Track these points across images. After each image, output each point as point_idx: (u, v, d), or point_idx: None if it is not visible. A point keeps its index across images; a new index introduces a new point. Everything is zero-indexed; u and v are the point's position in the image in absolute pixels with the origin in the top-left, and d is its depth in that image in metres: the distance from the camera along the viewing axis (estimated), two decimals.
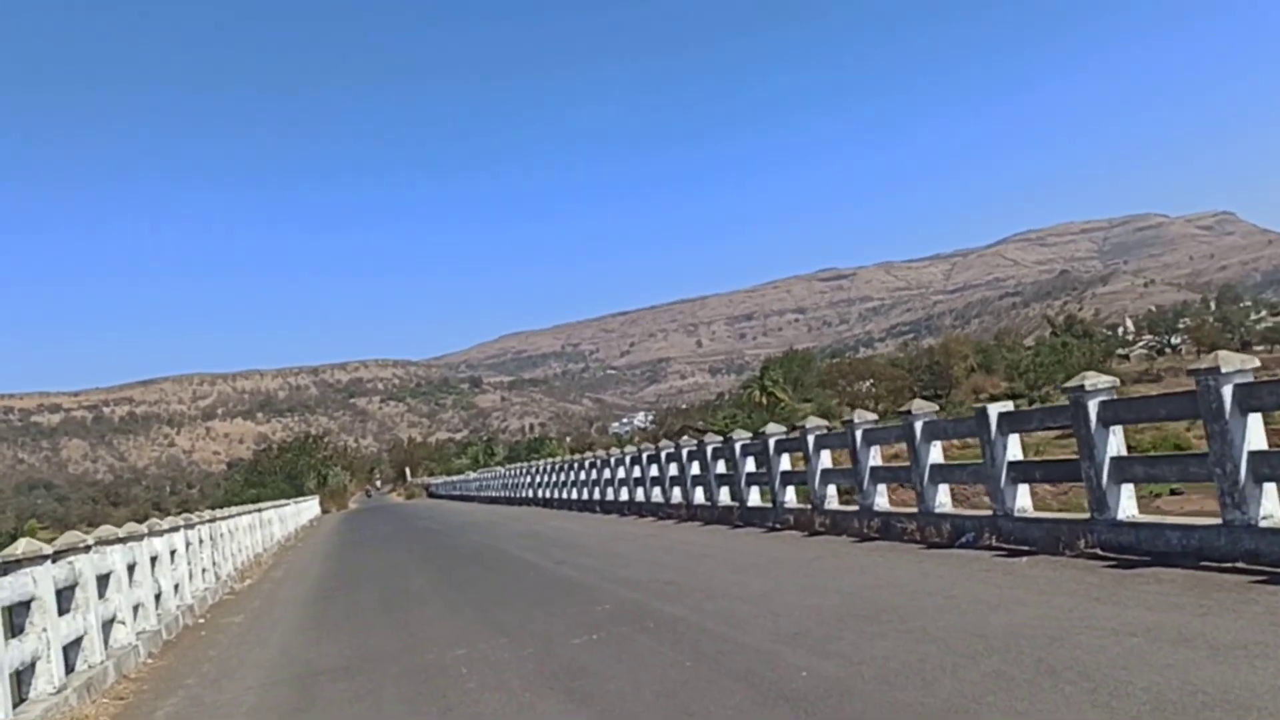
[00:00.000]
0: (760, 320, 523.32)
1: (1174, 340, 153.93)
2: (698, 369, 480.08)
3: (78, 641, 10.13)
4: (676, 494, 22.31)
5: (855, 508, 14.11)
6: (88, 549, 10.67)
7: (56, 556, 10.34)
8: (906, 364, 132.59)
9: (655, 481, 23.76)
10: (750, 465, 18.16)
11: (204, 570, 18.18)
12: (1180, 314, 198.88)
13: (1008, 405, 11.10)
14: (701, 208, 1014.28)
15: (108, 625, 11.47)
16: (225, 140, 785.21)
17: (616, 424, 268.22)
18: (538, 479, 39.22)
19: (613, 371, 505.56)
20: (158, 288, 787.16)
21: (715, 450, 19.68)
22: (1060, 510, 14.69)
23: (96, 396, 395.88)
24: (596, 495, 29.04)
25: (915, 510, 12.52)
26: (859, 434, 13.82)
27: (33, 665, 8.71)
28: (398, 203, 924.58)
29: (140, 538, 13.28)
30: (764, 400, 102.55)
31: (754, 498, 17.95)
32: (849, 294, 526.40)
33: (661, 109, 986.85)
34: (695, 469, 21.03)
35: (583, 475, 30.94)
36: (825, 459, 15.25)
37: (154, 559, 14.06)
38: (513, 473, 47.69)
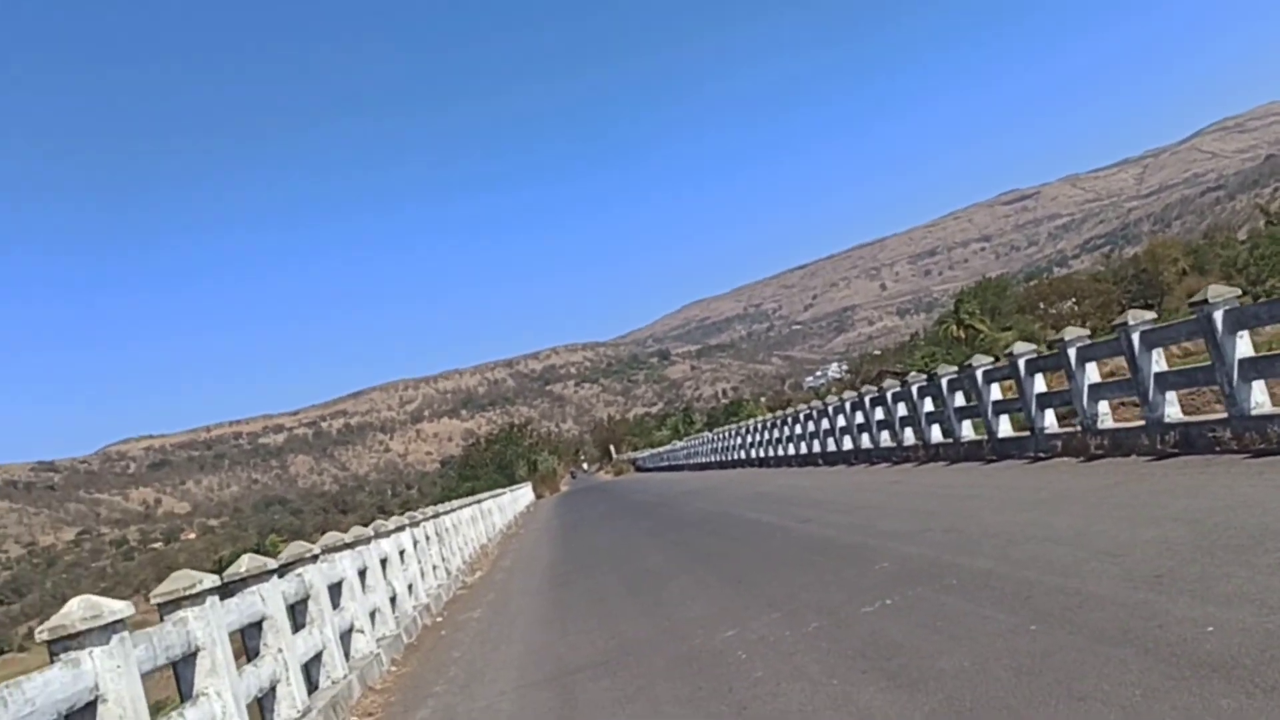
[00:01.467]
0: (944, 254, 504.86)
1: None
2: (885, 313, 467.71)
3: (317, 657, 9.51)
4: (909, 435, 20.57)
5: (1140, 422, 12.15)
6: (315, 559, 10.06)
7: (283, 570, 9.75)
8: (1110, 277, 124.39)
9: (883, 425, 22.07)
10: (995, 392, 16.29)
11: (434, 567, 17.81)
12: None
13: None
14: (871, 146, 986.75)
15: (346, 636, 10.90)
16: (397, 158, 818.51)
17: (810, 378, 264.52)
18: (748, 439, 37.96)
19: (798, 327, 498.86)
20: (358, 306, 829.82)
21: (951, 382, 17.85)
22: None
23: (314, 413, 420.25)
24: (816, 448, 27.51)
25: (1224, 415, 10.52)
26: (1135, 337, 11.84)
27: (273, 689, 8.05)
28: (568, 196, 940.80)
29: (367, 541, 12.75)
30: (962, 334, 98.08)
31: (1004, 427, 16.08)
32: (1035, 214, 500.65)
33: (821, 50, 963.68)
34: (929, 405, 19.24)
35: (797, 429, 29.45)
36: (1092, 372, 13.28)
37: (384, 561, 13.57)
38: (720, 436, 46.62)
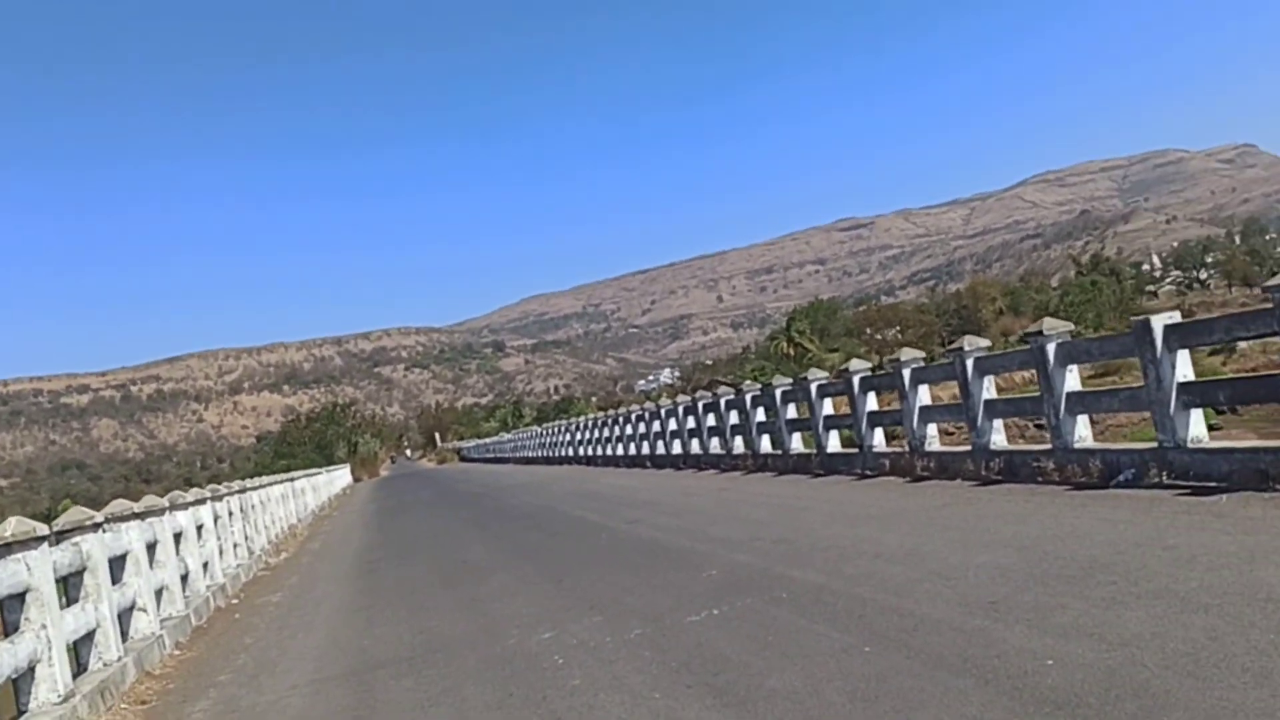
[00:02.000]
0: (780, 273, 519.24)
1: (1202, 275, 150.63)
2: (719, 324, 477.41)
3: (89, 636, 8.57)
4: (739, 443, 20.62)
5: (966, 448, 12.38)
6: (97, 527, 9.08)
7: (59, 537, 8.76)
8: (934, 309, 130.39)
9: (714, 431, 22.07)
10: (828, 407, 16.41)
11: (235, 545, 16.69)
12: (1207, 248, 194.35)
13: (1174, 316, 9.26)
14: (718, 162, 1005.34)
15: (126, 614, 9.92)
16: (242, 114, 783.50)
17: (642, 382, 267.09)
18: (578, 436, 37.63)
19: (634, 330, 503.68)
20: (180, 265, 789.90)
21: (785, 393, 17.92)
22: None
23: (124, 376, 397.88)
24: (646, 450, 27.39)
25: (1048, 447, 10.76)
26: (969, 363, 12.03)
27: (31, 670, 7.14)
28: (414, 170, 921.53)
29: (161, 512, 11.71)
30: (791, 351, 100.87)
31: (834, 443, 16.22)
32: (868, 243, 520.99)
33: (675, 65, 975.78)
34: (761, 415, 19.31)
35: (629, 430, 29.29)
36: (924, 395, 13.48)
37: (178, 535, 12.51)
38: (550, 432, 46.14)
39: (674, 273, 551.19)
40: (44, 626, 7.31)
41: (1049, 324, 10.69)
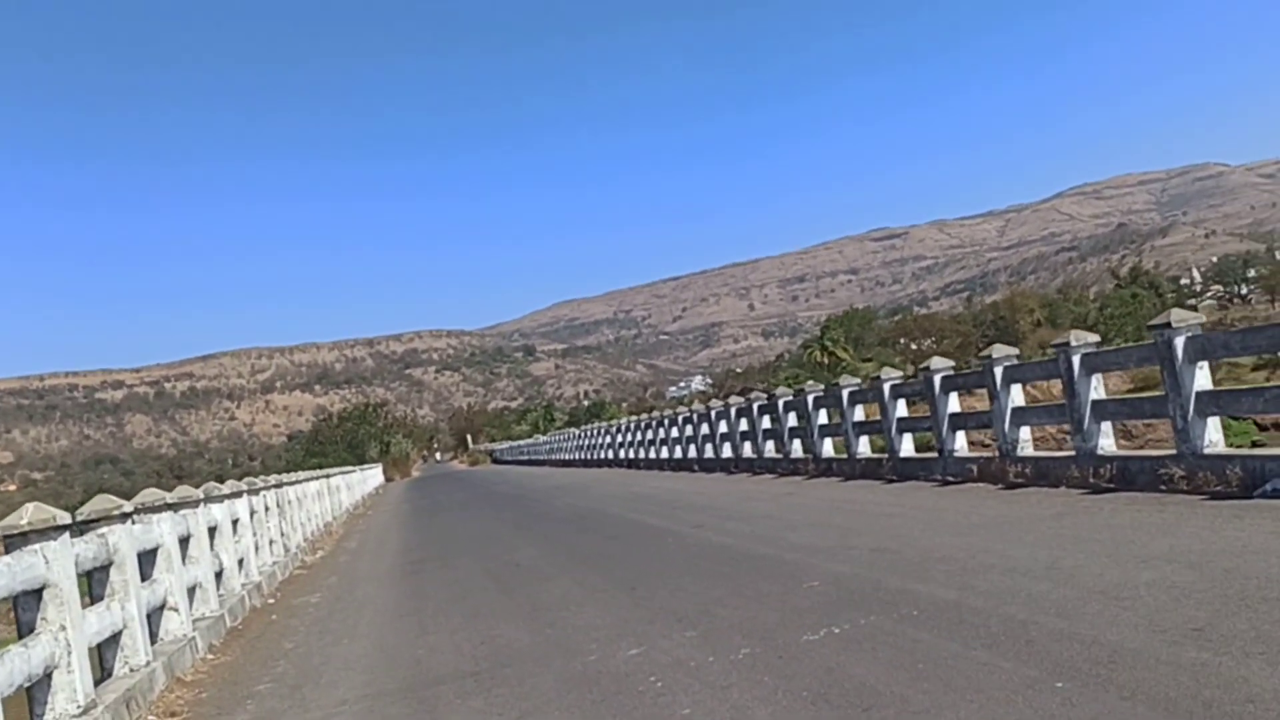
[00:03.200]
0: (812, 282, 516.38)
1: (1243, 290, 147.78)
2: (750, 332, 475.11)
3: (115, 638, 7.71)
4: (797, 447, 19.60)
5: (1070, 452, 11.30)
6: (126, 517, 8.22)
7: (83, 528, 7.91)
8: (970, 319, 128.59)
9: (769, 435, 21.06)
10: (901, 409, 15.37)
11: (271, 542, 15.86)
12: (1248, 263, 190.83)
13: None
14: (752, 171, 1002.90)
15: (155, 614, 9.06)
16: (282, 114, 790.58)
17: (673, 388, 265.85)
18: (619, 439, 36.67)
19: (665, 337, 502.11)
20: (214, 264, 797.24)
21: (853, 394, 16.89)
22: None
23: (158, 372, 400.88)
24: (692, 453, 26.39)
25: (1173, 452, 9.67)
26: (1075, 360, 10.96)
27: (48, 677, 6.26)
28: (447, 173, 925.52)
29: (195, 504, 10.88)
30: (824, 360, 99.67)
31: (907, 447, 15.17)
32: (901, 253, 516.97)
33: (712, 72, 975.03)
34: (823, 417, 18.29)
35: (674, 432, 28.30)
36: (1017, 395, 12.42)
37: (213, 529, 11.68)
38: (588, 434, 45.23)
39: (706, 280, 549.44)
40: (63, 627, 6.43)
41: (1177, 315, 9.62)
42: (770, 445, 21.11)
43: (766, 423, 21.24)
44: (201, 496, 11.20)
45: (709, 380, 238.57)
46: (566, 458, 50.16)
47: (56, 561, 6.47)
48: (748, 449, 22.41)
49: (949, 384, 13.86)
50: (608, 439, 39.10)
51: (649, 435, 31.60)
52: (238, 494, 13.48)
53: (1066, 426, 11.58)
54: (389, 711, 6.21)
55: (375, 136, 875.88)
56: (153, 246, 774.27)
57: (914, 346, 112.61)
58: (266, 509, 15.85)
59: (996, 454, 12.48)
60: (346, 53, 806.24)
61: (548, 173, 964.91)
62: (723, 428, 23.89)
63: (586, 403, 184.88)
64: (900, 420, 15.20)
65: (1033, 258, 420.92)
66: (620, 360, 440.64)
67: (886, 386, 15.37)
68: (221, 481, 14.87)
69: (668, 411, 31.83)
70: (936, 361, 14.14)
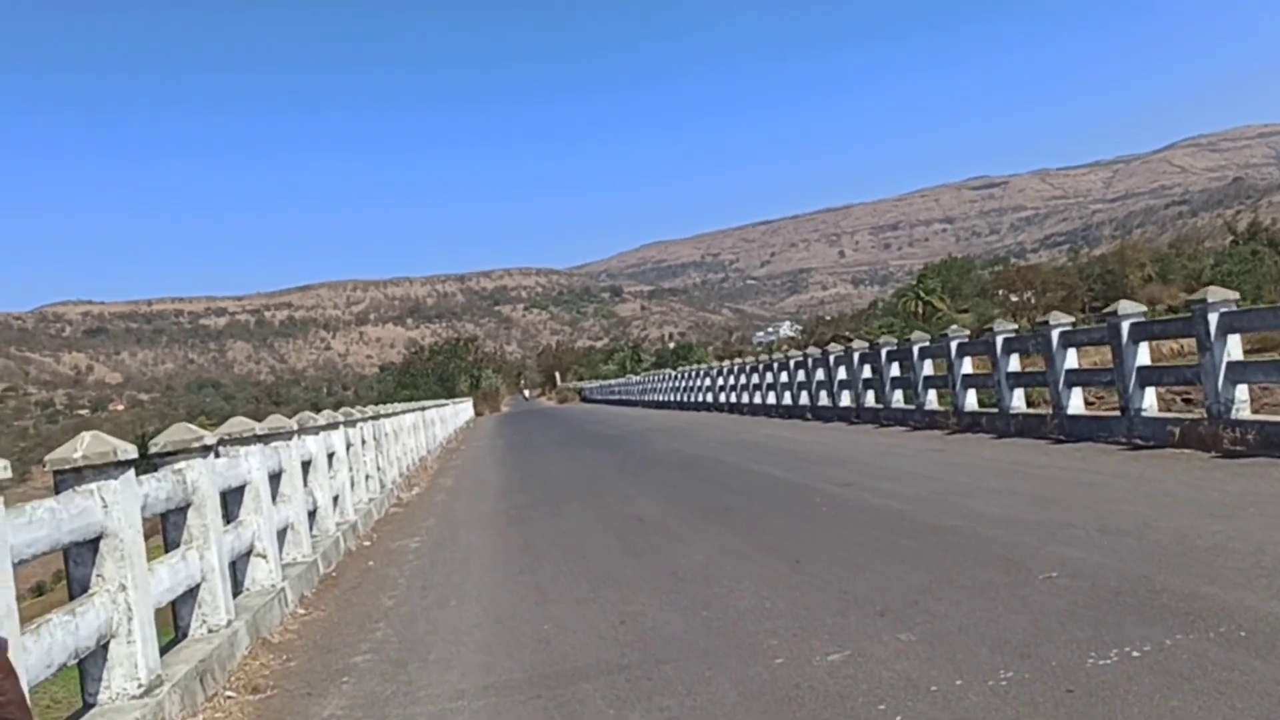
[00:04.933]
0: (906, 230, 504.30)
1: None
2: (840, 280, 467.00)
3: (192, 593, 6.50)
4: (932, 398, 17.85)
5: None
6: (208, 450, 6.96)
7: (157, 462, 6.68)
8: (1075, 272, 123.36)
9: (898, 383, 19.30)
10: (1071, 359, 13.51)
11: (367, 478, 14.77)
12: None
13: None
14: (846, 113, 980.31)
15: (241, 561, 7.88)
16: (387, 66, 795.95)
17: (760, 333, 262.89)
18: (719, 382, 35.12)
19: (752, 281, 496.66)
20: (315, 201, 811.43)
21: (1008, 341, 15.04)
22: None
23: (259, 301, 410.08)
24: (804, 400, 24.72)
25: None
26: None
27: (103, 649, 5.03)
28: (541, 116, 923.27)
29: (288, 436, 9.67)
30: (920, 309, 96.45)
31: (1075, 403, 13.33)
32: (1000, 203, 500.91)
33: (808, 9, 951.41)
34: (967, 366, 16.50)
35: (783, 377, 26.63)
36: (1234, 348, 10.52)
37: (306, 464, 10.52)
38: (684, 375, 43.74)
39: (795, 225, 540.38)
40: (123, 587, 5.18)
41: None
42: (899, 395, 19.37)
43: (895, 370, 19.48)
44: (295, 427, 10.01)
45: (798, 326, 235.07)
46: (660, 399, 48.83)
47: (117, 506, 5.21)
48: (870, 398, 20.69)
49: (1139, 332, 11.95)
50: (706, 381, 37.56)
51: (754, 379, 29.97)
52: (334, 425, 12.32)
53: None
54: (520, 715, 4.85)
55: (473, 83, 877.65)
56: (259, 185, 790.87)
57: (1014, 299, 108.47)
58: (363, 442, 14.75)
59: (1205, 415, 10.62)
60: (446, 2, 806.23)
61: (638, 114, 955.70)
62: (841, 374, 22.17)
63: (672, 345, 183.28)
64: (1070, 372, 13.34)
65: (1140, 211, 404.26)
66: (706, 304, 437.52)
67: (1055, 333, 13.50)
68: (317, 410, 13.75)
69: (777, 355, 30.13)
70: (1125, 305, 12.24)
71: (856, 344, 22.37)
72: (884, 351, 19.81)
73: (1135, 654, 4.33)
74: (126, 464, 5.33)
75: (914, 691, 4.30)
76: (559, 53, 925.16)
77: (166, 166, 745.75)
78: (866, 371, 20.86)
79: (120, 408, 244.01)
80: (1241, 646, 4.26)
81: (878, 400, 20.25)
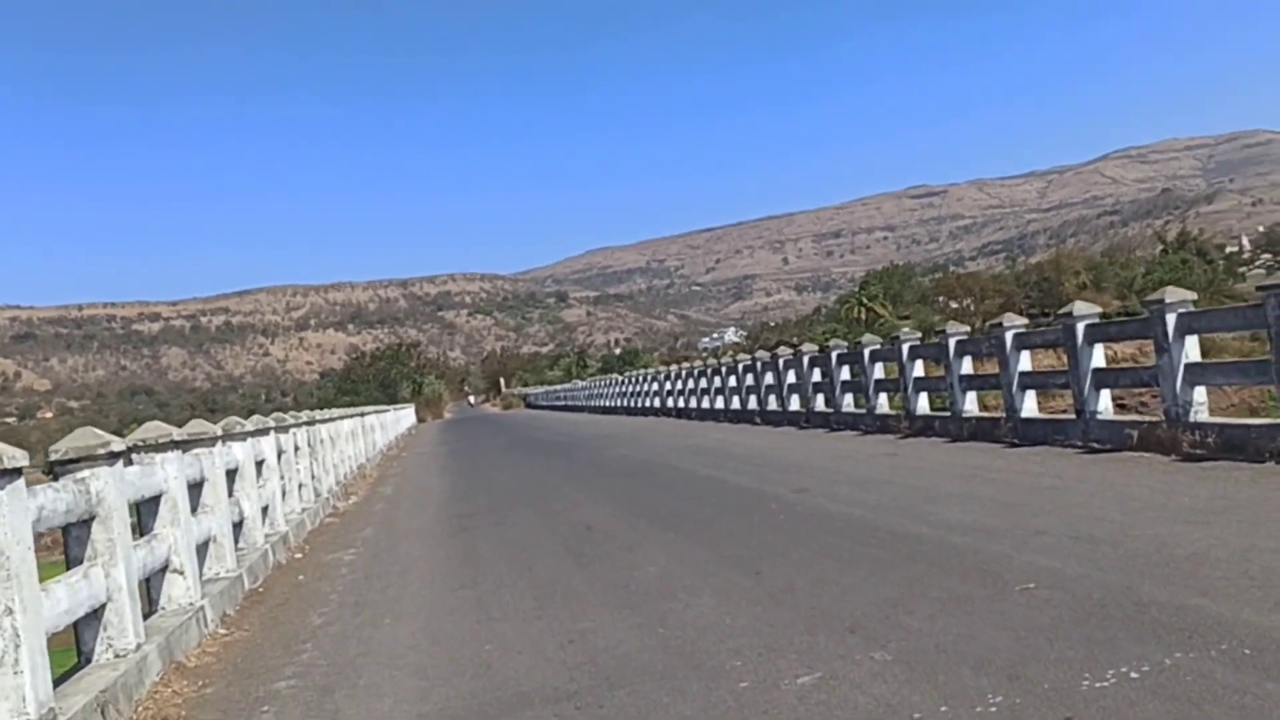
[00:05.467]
0: (848, 238, 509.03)
1: None
2: (784, 286, 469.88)
3: (96, 614, 5.91)
4: (882, 402, 17.61)
5: (1261, 421, 9.22)
6: (116, 458, 6.36)
7: (57, 470, 6.08)
8: (1013, 280, 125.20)
9: (849, 387, 19.04)
10: (1025, 362, 13.30)
11: (300, 486, 14.11)
12: None
13: None
14: (790, 123, 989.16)
15: (155, 578, 7.28)
16: (326, 55, 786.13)
17: (706, 339, 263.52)
18: (665, 386, 34.75)
19: (698, 288, 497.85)
20: (252, 201, 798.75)
21: (961, 344, 14.79)
22: None
23: (195, 306, 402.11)
24: (753, 404, 24.42)
25: None
26: None
27: None
28: (485, 118, 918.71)
29: (211, 442, 9.04)
30: (863, 315, 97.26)
31: (1029, 406, 13.11)
32: (939, 212, 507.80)
33: (749, 20, 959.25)
34: (919, 369, 16.27)
35: (731, 381, 26.31)
36: (1192, 349, 10.31)
37: (232, 472, 9.88)
38: (631, 380, 43.33)
39: (740, 232, 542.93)
40: (9, 610, 4.60)
41: None
42: (849, 399, 19.12)
43: (846, 374, 19.22)
44: (219, 433, 9.37)
45: (743, 332, 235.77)
46: (606, 404, 48.35)
47: (3, 519, 4.63)
48: (820, 402, 20.43)
49: (1094, 334, 11.74)
50: (653, 386, 37.17)
51: (702, 384, 29.63)
52: (264, 431, 11.69)
53: (1271, 388, 9.48)
54: None
55: (414, 79, 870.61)
56: (193, 182, 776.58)
57: (954, 305, 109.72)
58: (296, 449, 14.10)
59: (1163, 419, 10.41)
60: (410, 5, 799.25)
61: (584, 120, 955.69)
62: (791, 377, 21.89)
63: (618, 350, 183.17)
64: (1024, 375, 13.12)
65: (1073, 220, 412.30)
66: (652, 310, 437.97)
67: (1009, 335, 13.27)
68: (250, 416, 13.08)
69: (725, 359, 29.83)
70: (1081, 306, 12.03)
71: (806, 347, 22.10)
72: (834, 355, 19.56)
73: (1134, 675, 3.96)
74: (14, 472, 4.75)
75: (895, 719, 3.89)
76: (504, 56, 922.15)
77: (97, 162, 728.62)
78: (816, 375, 20.59)
79: (49, 415, 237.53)
80: (1249, 666, 3.90)
81: (828, 404, 19.99)
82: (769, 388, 23.33)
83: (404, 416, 53.45)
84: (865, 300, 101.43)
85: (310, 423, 16.03)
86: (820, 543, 7.66)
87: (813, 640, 5.11)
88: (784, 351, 23.32)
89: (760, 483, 11.77)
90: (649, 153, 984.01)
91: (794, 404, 21.77)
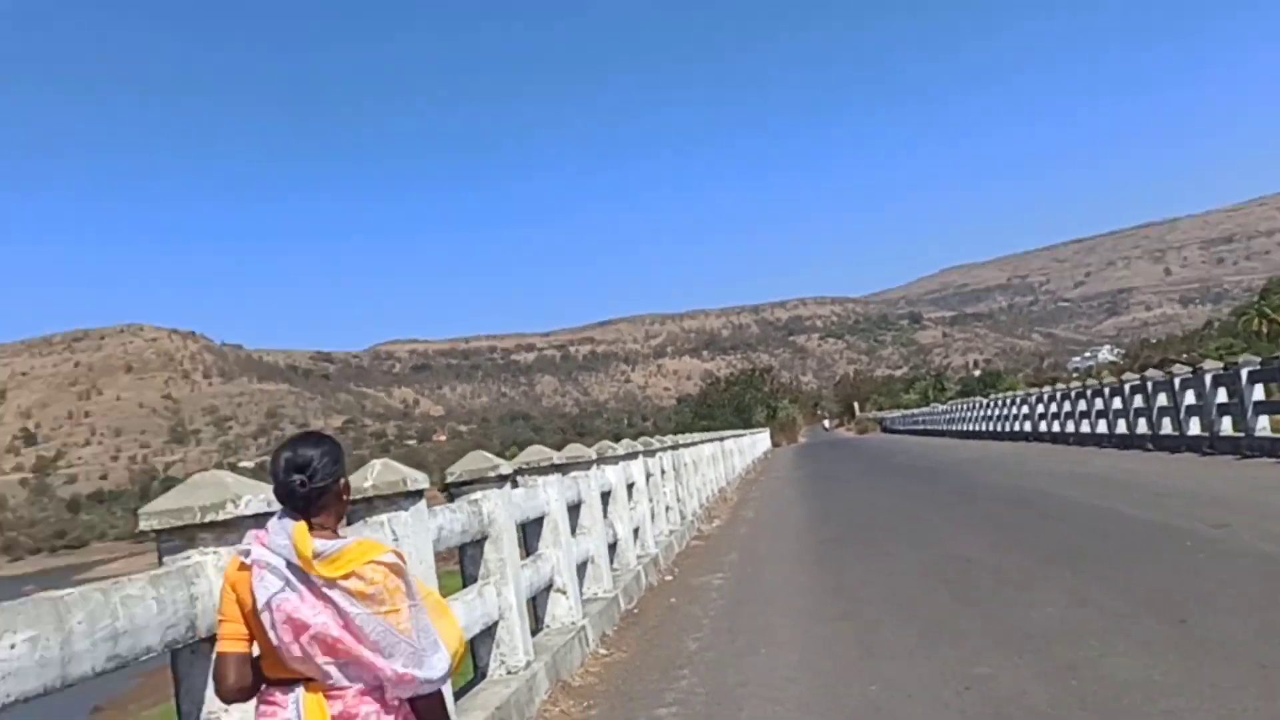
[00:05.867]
0: (1243, 243, 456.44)
1: None
2: (1166, 299, 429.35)
3: (489, 632, 6.14)
4: None
5: None
6: (504, 480, 6.61)
7: (452, 493, 6.38)
8: None
9: (1264, 408, 16.72)
10: None
11: (667, 509, 14.37)
12: None
13: None
14: (1173, 109, 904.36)
15: (540, 597, 7.52)
16: (682, 107, 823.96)
17: (1076, 359, 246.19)
18: (1037, 409, 32.46)
19: (1065, 304, 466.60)
20: (619, 235, 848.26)
21: None
22: None
23: (564, 337, 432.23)
24: (1143, 428, 22.11)
25: None
26: None
27: None
28: (827, 141, 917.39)
29: (587, 465, 9.31)
30: (1264, 328, 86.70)
31: None
32: None
33: (1114, 7, 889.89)
34: None
35: (1116, 403, 24.03)
36: None
37: (606, 494, 10.14)
38: (996, 403, 41.04)
39: (1114, 242, 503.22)
40: None
41: None
42: (1263, 422, 16.77)
43: (1258, 393, 16.89)
44: (594, 457, 9.65)
45: (1119, 350, 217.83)
46: (969, 428, 46.06)
47: (407, 539, 4.84)
48: (1227, 425, 18.10)
49: None
50: (1023, 409, 34.86)
51: (1079, 406, 27.31)
52: (633, 455, 11.94)
53: None
54: None
55: (762, 114, 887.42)
56: (563, 230, 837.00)
57: None
58: (663, 472, 14.37)
59: None
60: (736, 45, 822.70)
61: (930, 130, 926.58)
62: (1190, 398, 19.56)
63: (978, 373, 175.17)
64: None
65: None
66: (1014, 329, 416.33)
67: None
68: (617, 440, 13.49)
69: (1108, 379, 27.34)
70: None
71: (1208, 364, 19.68)
72: (1245, 372, 17.23)
73: None
74: (416, 494, 4.97)
75: None
76: (867, 69, 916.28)
77: (487, 209, 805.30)
78: (1222, 395, 18.26)
79: (442, 438, 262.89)
80: None
81: (1236, 428, 17.65)
82: (1162, 409, 21.03)
83: (760, 440, 53.93)
84: (1268, 311, 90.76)
85: (674, 447, 16.33)
86: (1259, 588, 6.55)
87: (1272, 709, 4.26)
88: (1179, 369, 20.92)
89: (1165, 515, 10.44)
90: (1004, 158, 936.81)
91: (1193, 428, 19.44)
